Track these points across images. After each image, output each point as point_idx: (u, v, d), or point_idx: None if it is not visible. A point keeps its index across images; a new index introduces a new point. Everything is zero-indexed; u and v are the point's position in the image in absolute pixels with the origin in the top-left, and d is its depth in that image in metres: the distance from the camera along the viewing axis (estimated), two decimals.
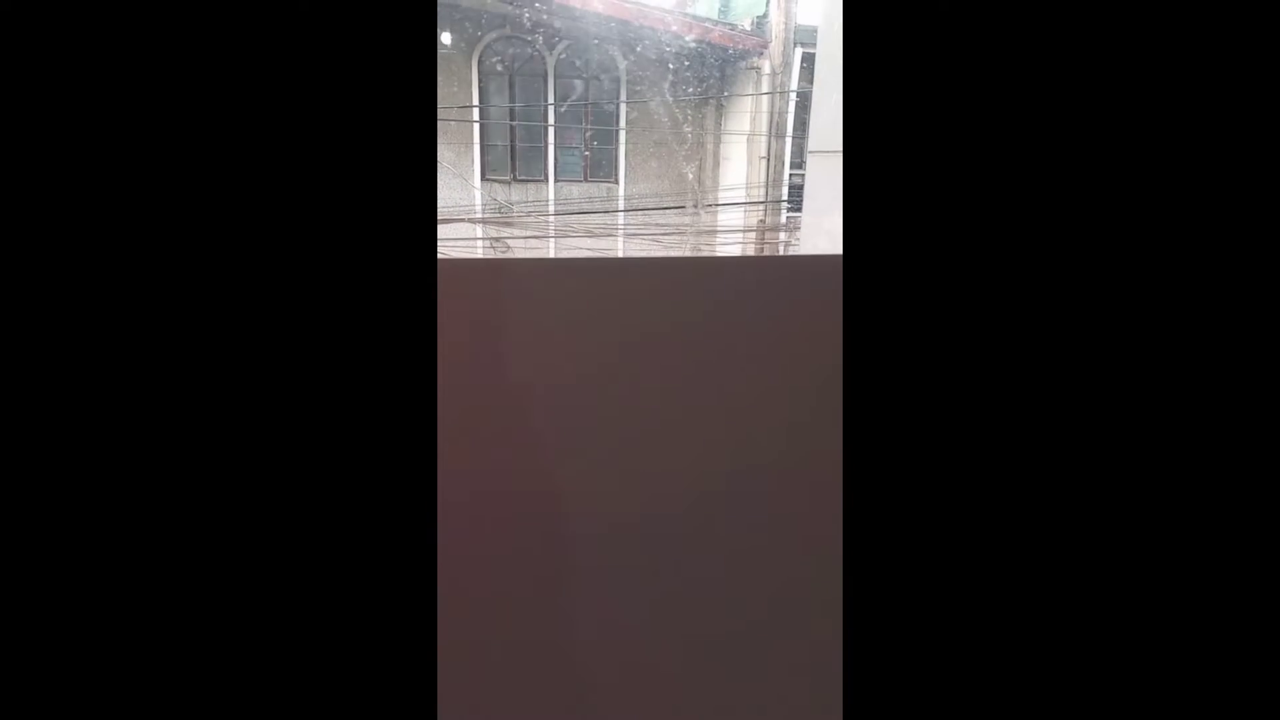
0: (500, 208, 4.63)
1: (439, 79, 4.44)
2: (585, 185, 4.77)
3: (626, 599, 0.59)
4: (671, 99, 4.47)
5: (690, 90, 4.46)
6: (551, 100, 4.64)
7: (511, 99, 4.64)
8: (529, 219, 4.63)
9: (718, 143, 4.56)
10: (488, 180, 4.68)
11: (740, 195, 4.36)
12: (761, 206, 4.32)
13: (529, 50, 4.49)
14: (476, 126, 4.57)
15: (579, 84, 4.55)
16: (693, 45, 4.32)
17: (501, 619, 0.59)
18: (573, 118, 4.73)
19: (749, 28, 4.25)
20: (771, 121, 4.26)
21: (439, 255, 0.42)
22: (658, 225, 4.49)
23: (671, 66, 4.37)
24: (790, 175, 4.30)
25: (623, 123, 4.64)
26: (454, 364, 0.51)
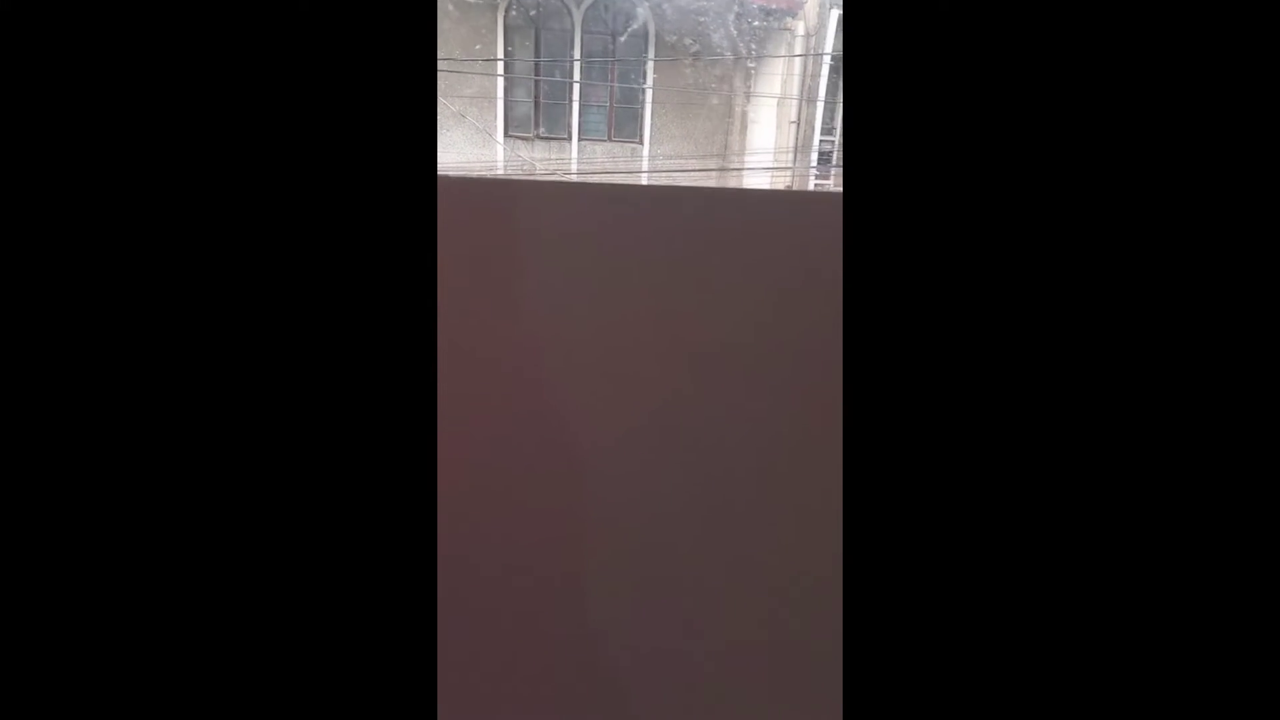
0: (523, 165, 4.58)
1: (463, 32, 4.31)
2: (609, 145, 4.71)
3: (631, 574, 0.57)
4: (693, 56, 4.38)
5: (727, 37, 4.36)
6: (577, 56, 4.54)
7: (536, 53, 4.53)
8: (552, 177, 4.60)
9: (746, 105, 4.50)
10: (510, 137, 4.61)
11: (768, 160, 4.33)
12: (789, 172, 4.30)
13: (556, 1, 4.37)
14: (500, 81, 4.47)
15: (607, 38, 4.45)
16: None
17: (502, 582, 0.56)
18: (598, 74, 4.63)
19: None
20: (803, 85, 4.19)
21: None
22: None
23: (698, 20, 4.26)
24: (820, 141, 4.27)
25: (649, 81, 4.56)
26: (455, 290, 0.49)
